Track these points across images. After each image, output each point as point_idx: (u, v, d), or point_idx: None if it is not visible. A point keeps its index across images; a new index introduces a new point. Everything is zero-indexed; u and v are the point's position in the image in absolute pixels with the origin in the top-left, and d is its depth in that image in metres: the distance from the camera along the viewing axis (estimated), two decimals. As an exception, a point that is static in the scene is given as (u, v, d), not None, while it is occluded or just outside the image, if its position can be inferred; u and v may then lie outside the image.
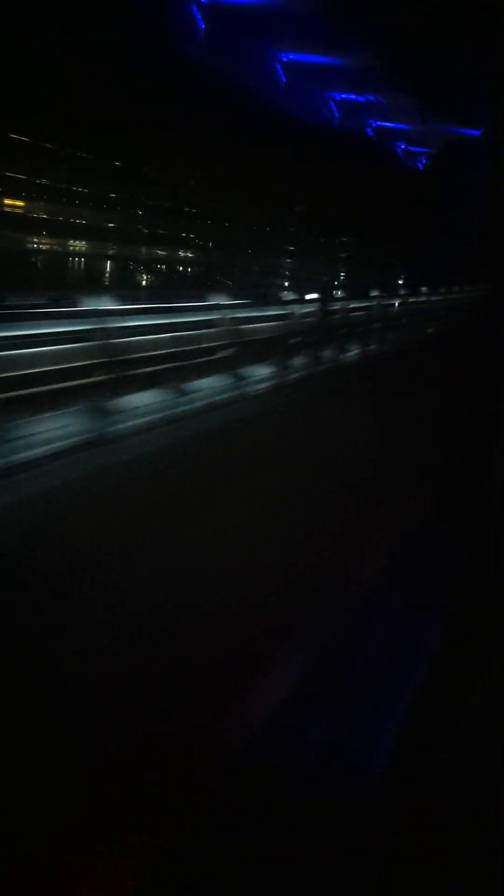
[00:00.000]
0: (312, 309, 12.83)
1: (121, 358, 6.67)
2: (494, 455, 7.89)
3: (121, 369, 6.60)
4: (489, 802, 2.68)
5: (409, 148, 35.71)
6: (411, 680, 3.57)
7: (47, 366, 5.98)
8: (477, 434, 8.58)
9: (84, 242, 19.62)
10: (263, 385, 9.16)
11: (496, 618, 4.28)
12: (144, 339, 7.28)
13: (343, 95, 30.65)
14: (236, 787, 2.63)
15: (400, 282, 27.51)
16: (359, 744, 3.06)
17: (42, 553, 4.06)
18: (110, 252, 21.07)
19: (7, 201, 17.39)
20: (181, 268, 22.45)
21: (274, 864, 2.36)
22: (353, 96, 30.85)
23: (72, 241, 19.42)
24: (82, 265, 19.93)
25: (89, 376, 6.36)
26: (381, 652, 3.77)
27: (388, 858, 2.42)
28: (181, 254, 22.95)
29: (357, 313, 16.02)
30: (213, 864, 2.33)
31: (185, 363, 7.85)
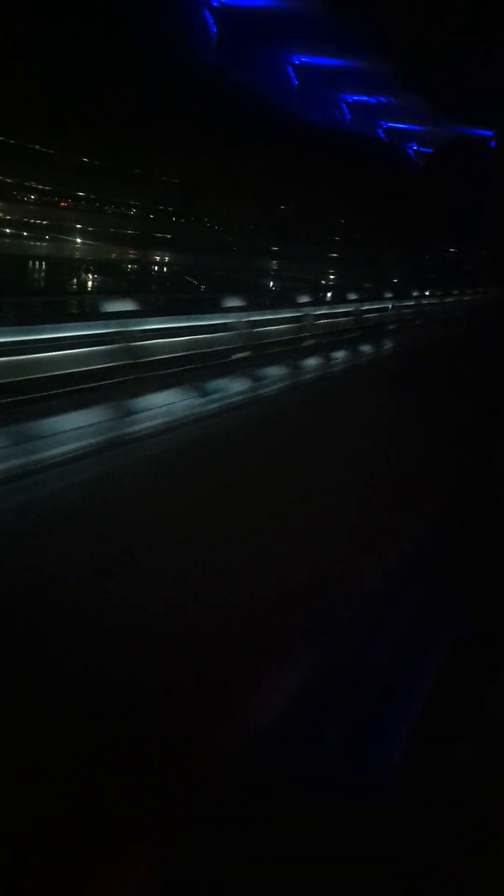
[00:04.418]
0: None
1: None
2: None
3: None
4: (500, 807, 2.69)
5: (420, 149, 35.73)
6: (420, 683, 3.52)
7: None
8: (487, 435, 8.58)
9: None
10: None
11: None
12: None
13: (356, 97, 30.71)
14: (242, 790, 2.58)
15: (414, 283, 27.51)
16: (368, 746, 3.03)
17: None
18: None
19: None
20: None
21: (280, 870, 2.29)
22: (366, 98, 30.91)
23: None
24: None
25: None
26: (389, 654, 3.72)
27: (398, 863, 2.41)
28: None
29: (373, 314, 16.50)
30: (217, 871, 2.27)
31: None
